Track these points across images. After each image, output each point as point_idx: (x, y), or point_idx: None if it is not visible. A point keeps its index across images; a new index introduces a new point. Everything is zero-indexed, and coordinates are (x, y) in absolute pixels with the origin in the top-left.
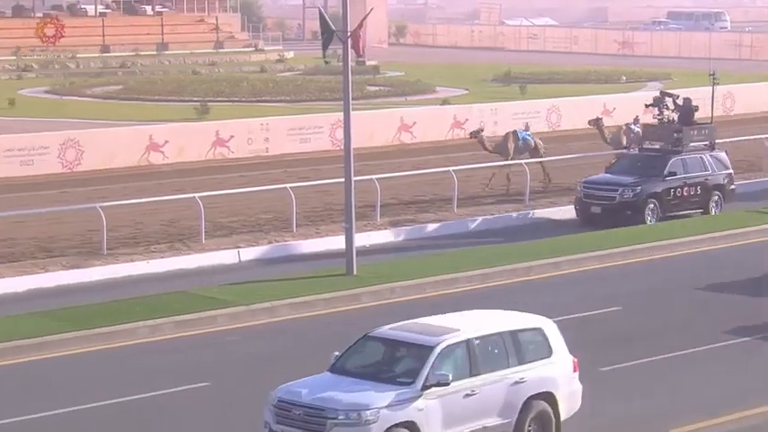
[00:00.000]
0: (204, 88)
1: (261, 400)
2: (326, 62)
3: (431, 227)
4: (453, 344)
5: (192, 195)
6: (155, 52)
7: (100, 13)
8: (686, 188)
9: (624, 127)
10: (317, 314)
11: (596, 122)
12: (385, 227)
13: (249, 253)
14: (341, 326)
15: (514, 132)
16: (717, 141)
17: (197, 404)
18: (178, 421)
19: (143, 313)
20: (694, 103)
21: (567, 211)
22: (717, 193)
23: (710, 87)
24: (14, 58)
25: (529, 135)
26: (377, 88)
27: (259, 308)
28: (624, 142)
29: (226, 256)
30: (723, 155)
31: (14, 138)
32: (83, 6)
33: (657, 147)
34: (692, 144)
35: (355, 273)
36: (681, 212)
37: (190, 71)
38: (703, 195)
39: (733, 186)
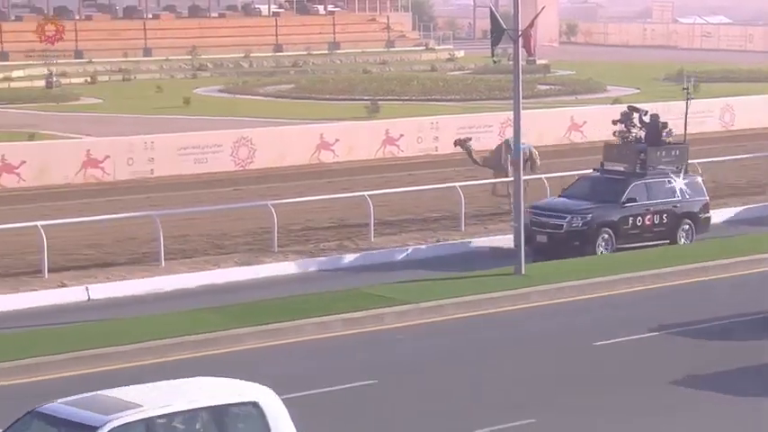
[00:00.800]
0: (375, 87)
1: (427, 399)
2: (495, 61)
3: None
4: (125, 424)
5: (361, 194)
6: (326, 51)
7: (273, 12)
8: (649, 216)
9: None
10: (484, 313)
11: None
12: None
13: (417, 251)
14: (508, 325)
15: (506, 142)
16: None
17: (363, 402)
18: (344, 419)
19: (312, 310)
20: (663, 120)
21: None
22: (687, 221)
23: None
24: (190, 57)
25: (523, 144)
26: (547, 87)
27: (427, 306)
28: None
29: (394, 254)
30: (697, 179)
31: (189, 136)
32: (257, 6)
33: (621, 169)
34: (660, 166)
35: (524, 272)
36: (643, 243)
37: (361, 70)
38: (671, 224)
39: (708, 214)
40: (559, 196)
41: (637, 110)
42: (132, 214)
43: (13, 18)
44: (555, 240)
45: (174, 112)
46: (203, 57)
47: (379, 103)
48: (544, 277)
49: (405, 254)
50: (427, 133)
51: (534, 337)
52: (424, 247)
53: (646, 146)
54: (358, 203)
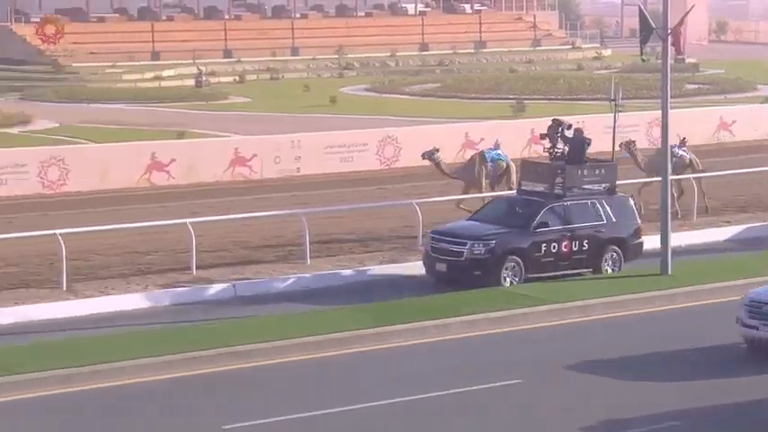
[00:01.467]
0: (520, 86)
1: (573, 399)
2: (644, 60)
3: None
4: None
5: (506, 193)
6: (472, 50)
7: (420, 12)
8: (566, 242)
9: None
10: (629, 314)
11: (627, 146)
12: (702, 227)
13: None
14: (654, 326)
15: (481, 154)
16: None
17: (508, 401)
18: (488, 418)
19: (458, 309)
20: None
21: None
22: (614, 248)
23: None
24: (337, 56)
25: (500, 154)
26: (695, 86)
27: (572, 306)
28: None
29: None
30: (627, 201)
31: (335, 135)
32: (403, 5)
33: (540, 190)
34: (585, 187)
35: (670, 272)
36: (559, 272)
37: (507, 69)
38: (594, 251)
39: (639, 240)
40: (469, 219)
41: (560, 123)
42: (279, 212)
43: (164, 18)
44: (455, 269)
45: (321, 110)
46: (350, 56)
47: (525, 102)
48: (691, 278)
49: None
50: None
51: (680, 336)
52: None
53: (564, 164)
54: None
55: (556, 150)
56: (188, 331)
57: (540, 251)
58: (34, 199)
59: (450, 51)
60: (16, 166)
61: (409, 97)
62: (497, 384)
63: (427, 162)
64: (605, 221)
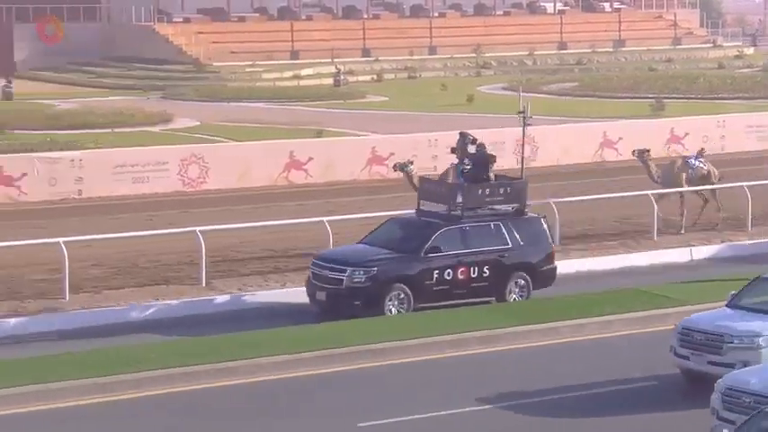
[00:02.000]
0: (659, 85)
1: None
2: None
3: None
4: None
5: (643, 193)
6: (611, 49)
7: (558, 10)
8: (463, 269)
9: (680, 161)
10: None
11: (641, 155)
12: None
13: (701, 251)
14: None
15: (455, 167)
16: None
17: (646, 403)
18: (617, 418)
19: (592, 309)
20: (491, 151)
21: None
22: (521, 274)
23: None
24: (474, 55)
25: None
26: None
27: (710, 308)
28: (683, 181)
29: (678, 255)
30: (540, 223)
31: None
32: (542, 4)
33: (439, 211)
34: (490, 207)
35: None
36: (456, 301)
37: (646, 68)
38: (497, 278)
39: (552, 266)
40: (360, 242)
41: (465, 136)
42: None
43: (303, 17)
44: (334, 298)
45: (458, 109)
46: (487, 55)
47: (664, 101)
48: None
49: (688, 254)
50: (713, 132)
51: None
52: (708, 247)
53: (463, 183)
54: (641, 202)
55: (464, 166)
56: (325, 329)
57: (432, 278)
58: (175, 196)
59: (589, 50)
60: (158, 164)
61: (547, 96)
62: (633, 386)
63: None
64: (510, 245)
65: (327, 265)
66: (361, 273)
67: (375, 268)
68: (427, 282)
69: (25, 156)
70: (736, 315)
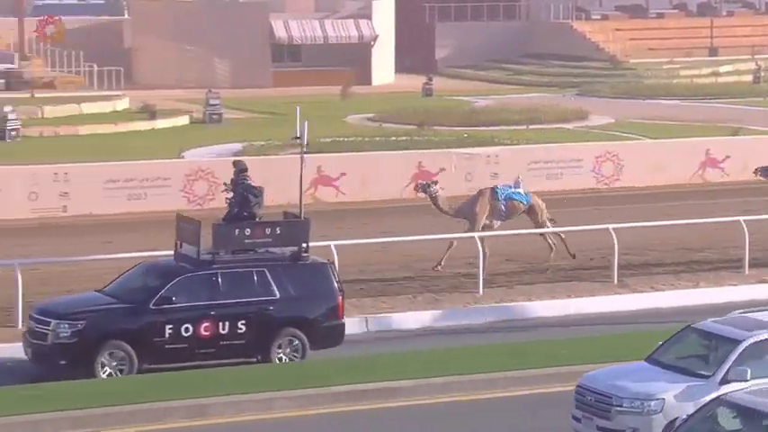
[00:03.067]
0: None
1: None
2: None
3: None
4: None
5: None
6: None
7: None
8: (208, 324)
9: None
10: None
11: (765, 173)
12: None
13: None
14: None
15: (492, 190)
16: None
17: None
18: None
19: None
20: (252, 183)
21: None
22: (293, 331)
23: None
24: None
25: (517, 192)
26: None
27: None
28: None
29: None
30: (324, 269)
31: None
32: None
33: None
34: (268, 251)
35: None
36: (199, 362)
37: None
38: (259, 335)
39: (337, 321)
40: (99, 290)
41: (236, 164)
42: None
43: (724, 13)
44: (39, 355)
45: None
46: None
47: None
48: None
49: None
50: None
51: None
52: None
53: (218, 222)
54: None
55: (230, 200)
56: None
57: (164, 335)
58: (588, 193)
59: None
60: (572, 161)
61: None
62: None
63: None
64: (278, 296)
65: (36, 315)
66: (66, 326)
67: (82, 322)
68: (157, 339)
69: (443, 152)
70: (644, 372)
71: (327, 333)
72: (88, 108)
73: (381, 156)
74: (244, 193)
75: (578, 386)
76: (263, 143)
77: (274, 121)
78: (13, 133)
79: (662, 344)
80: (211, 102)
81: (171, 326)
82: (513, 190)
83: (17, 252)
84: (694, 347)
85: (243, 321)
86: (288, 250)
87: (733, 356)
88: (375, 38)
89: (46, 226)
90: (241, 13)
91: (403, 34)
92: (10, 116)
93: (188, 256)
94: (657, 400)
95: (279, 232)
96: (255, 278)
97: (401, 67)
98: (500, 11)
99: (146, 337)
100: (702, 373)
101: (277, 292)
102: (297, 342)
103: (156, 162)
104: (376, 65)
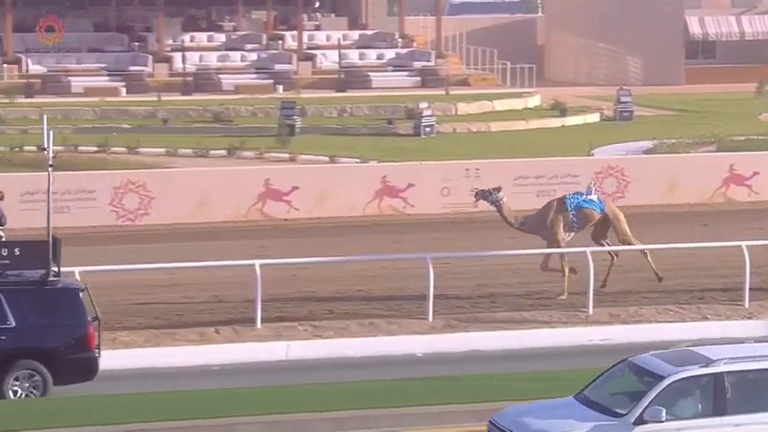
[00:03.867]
0: None
1: None
2: None
3: None
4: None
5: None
6: None
7: None
8: None
9: None
10: None
11: None
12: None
13: None
14: None
15: (561, 200)
16: None
17: None
18: None
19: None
20: None
21: None
22: (32, 363)
23: None
24: None
25: (590, 201)
26: None
27: None
28: None
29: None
30: (73, 295)
31: None
32: None
33: None
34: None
35: None
36: None
37: None
38: None
39: (89, 353)
40: None
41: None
42: None
43: None
44: None
45: None
46: None
47: None
48: None
49: None
50: None
51: None
52: None
53: None
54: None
55: None
56: None
57: None
58: None
59: None
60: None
61: None
62: None
63: None
64: (14, 325)
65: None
66: None
67: None
68: None
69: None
70: (559, 409)
71: (74, 366)
72: (500, 105)
73: None
74: None
75: (489, 422)
76: (673, 141)
77: (686, 119)
78: (428, 129)
79: (595, 378)
80: (622, 99)
81: None
82: (583, 197)
83: (431, 246)
84: (626, 383)
85: None
86: (37, 273)
87: (652, 394)
88: None
89: (457, 221)
90: (655, 9)
91: None
92: (425, 113)
93: None
94: None
95: (18, 254)
96: None
97: None
98: None
99: None
100: (618, 411)
101: (11, 320)
102: (37, 377)
103: (566, 159)
104: None
